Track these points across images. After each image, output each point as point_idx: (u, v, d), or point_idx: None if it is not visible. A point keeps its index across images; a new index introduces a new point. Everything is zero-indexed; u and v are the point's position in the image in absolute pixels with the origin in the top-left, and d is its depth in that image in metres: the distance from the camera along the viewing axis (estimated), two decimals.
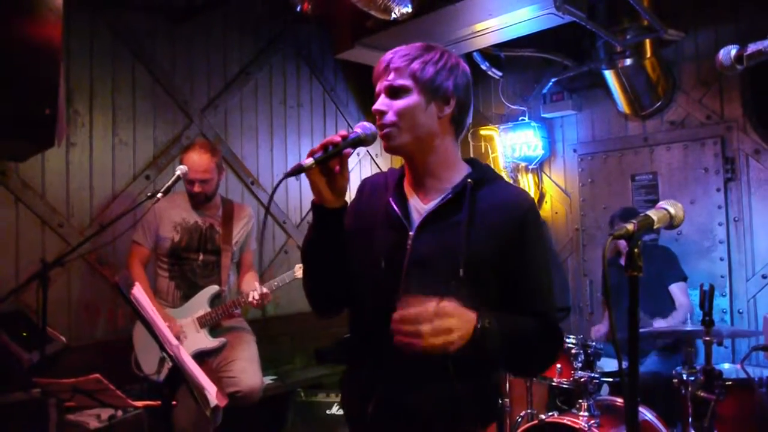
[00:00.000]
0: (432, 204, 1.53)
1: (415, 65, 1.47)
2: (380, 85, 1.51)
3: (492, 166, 1.71)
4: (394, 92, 1.48)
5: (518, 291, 1.49)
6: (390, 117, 1.47)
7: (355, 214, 1.62)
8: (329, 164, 1.42)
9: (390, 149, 1.52)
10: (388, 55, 1.51)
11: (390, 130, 1.48)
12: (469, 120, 1.59)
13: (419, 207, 1.55)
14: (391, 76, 1.48)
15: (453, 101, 1.50)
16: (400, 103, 1.47)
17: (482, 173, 1.57)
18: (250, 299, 3.21)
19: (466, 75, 1.54)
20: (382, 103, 1.49)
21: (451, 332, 1.28)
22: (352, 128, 1.47)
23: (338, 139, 1.40)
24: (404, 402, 1.47)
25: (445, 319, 1.28)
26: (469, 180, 1.52)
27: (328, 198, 1.46)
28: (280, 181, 1.37)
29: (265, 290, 3.25)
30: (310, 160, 1.36)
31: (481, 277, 1.46)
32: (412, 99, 1.46)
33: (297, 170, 1.36)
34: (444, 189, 1.53)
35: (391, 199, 1.56)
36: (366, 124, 1.47)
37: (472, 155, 5.52)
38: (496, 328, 1.35)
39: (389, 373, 1.48)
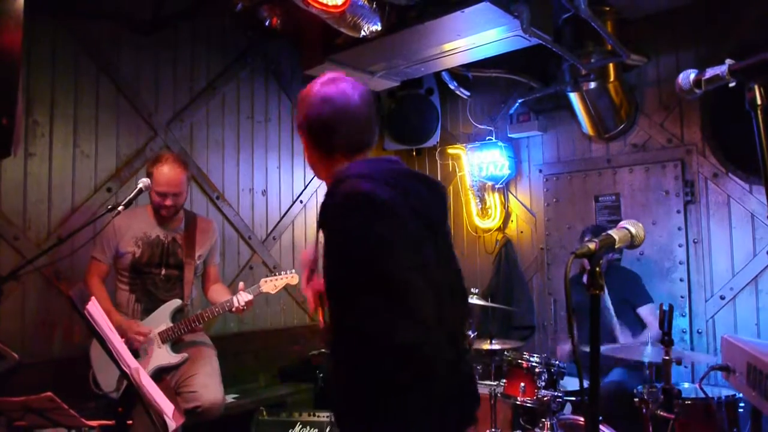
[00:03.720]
0: None
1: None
2: None
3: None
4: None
5: None
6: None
7: None
8: None
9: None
10: None
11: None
12: (341, 130, 1.68)
13: None
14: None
15: (304, 132, 1.73)
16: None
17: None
18: (236, 304, 3.18)
19: (314, 102, 1.68)
20: None
21: None
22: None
23: None
24: None
25: None
26: None
27: None
28: None
29: (250, 297, 3.22)
30: None
31: None
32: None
33: None
34: None
35: None
36: None
37: (439, 174, 5.60)
38: None
39: None
